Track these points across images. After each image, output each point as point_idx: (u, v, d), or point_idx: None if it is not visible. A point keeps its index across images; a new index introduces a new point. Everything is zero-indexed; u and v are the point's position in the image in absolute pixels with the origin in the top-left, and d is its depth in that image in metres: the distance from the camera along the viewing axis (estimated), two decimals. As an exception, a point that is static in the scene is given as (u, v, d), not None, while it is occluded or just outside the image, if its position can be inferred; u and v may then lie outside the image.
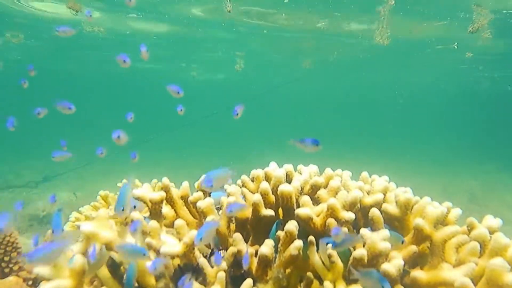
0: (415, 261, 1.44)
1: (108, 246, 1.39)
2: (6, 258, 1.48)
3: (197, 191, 1.63)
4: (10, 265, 1.48)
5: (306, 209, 1.42)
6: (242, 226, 1.55)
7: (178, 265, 1.37)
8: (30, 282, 1.51)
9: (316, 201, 1.65)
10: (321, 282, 1.34)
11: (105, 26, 8.53)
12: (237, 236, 1.40)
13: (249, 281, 1.24)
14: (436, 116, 27.95)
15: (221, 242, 1.50)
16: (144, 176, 2.38)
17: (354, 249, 1.34)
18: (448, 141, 16.57)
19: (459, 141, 17.01)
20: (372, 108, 30.73)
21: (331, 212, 1.41)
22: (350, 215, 1.40)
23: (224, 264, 1.28)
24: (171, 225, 1.61)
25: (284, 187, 1.50)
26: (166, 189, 1.58)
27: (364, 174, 1.79)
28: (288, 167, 1.78)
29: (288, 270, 1.36)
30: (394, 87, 20.11)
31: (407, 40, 9.05)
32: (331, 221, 1.39)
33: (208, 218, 1.44)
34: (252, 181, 1.78)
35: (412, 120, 27.49)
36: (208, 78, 18.92)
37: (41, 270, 1.24)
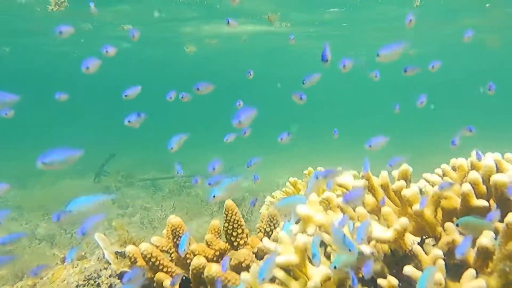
0: None
1: (321, 228, 1.54)
2: (234, 233, 1.78)
3: (398, 180, 1.66)
4: (238, 240, 1.78)
5: (530, 201, 1.32)
6: (449, 215, 1.52)
7: (390, 249, 1.43)
8: (254, 255, 1.78)
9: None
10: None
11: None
12: (450, 225, 1.39)
13: (471, 272, 1.23)
14: None
15: (429, 230, 1.50)
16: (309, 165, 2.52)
17: None
18: None
19: None
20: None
21: None
22: None
23: (440, 252, 1.29)
24: (371, 212, 1.69)
25: (498, 177, 1.42)
26: (367, 178, 1.66)
27: None
28: (496, 155, 1.67)
29: (512, 264, 1.28)
30: None
31: None
32: None
33: (415, 207, 1.46)
34: (454, 170, 1.72)
35: None
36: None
37: (271, 245, 1.46)
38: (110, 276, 2.09)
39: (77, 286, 2.05)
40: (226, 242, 1.80)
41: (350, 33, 11.08)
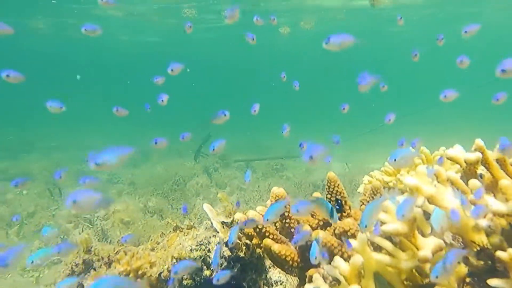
0: None
1: (430, 200, 1.51)
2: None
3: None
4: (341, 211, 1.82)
5: None
6: None
7: (509, 223, 1.36)
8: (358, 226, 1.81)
9: None
10: None
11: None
12: None
13: None
14: None
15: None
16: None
17: None
18: None
19: None
20: None
21: None
22: None
23: None
24: (486, 188, 1.60)
25: None
26: (481, 150, 1.57)
27: None
28: None
29: None
30: None
31: None
32: None
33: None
34: None
35: None
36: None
37: (381, 215, 1.47)
38: (218, 243, 2.29)
39: (191, 249, 2.27)
40: (329, 213, 1.85)
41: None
